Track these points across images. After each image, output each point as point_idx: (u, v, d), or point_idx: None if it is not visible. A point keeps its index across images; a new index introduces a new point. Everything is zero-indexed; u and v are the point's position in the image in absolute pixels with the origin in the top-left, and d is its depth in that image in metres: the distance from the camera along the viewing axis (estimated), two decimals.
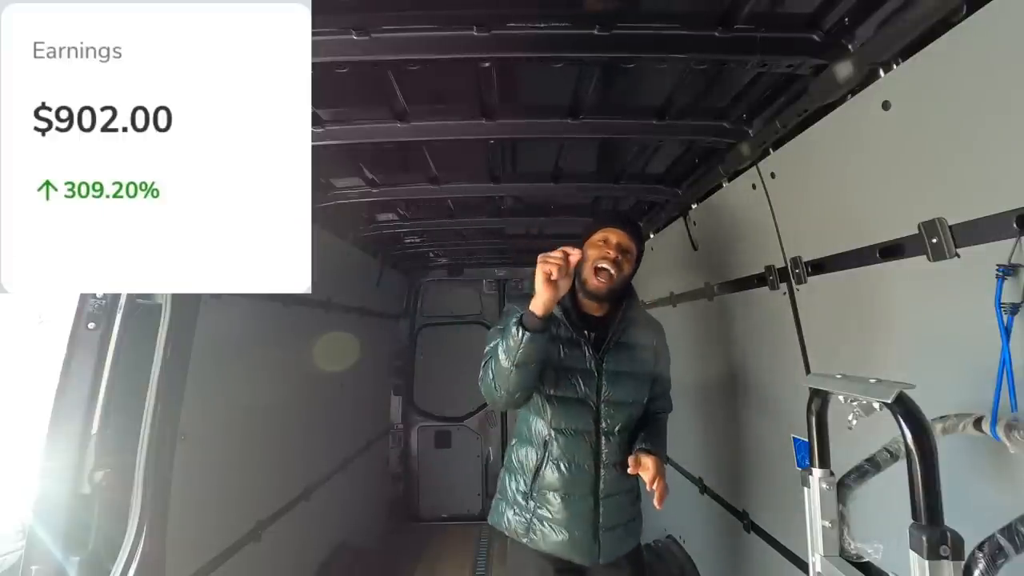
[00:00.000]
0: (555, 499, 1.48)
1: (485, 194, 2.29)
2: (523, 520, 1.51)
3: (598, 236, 1.51)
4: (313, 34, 1.18)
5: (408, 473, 4.17)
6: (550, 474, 1.48)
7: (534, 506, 1.49)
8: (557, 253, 1.25)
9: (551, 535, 1.48)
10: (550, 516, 1.48)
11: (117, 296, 1.51)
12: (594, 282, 1.47)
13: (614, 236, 1.50)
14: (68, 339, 1.48)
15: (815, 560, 1.00)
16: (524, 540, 1.50)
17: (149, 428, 1.40)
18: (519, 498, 1.52)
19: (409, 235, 3.13)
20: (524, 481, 1.52)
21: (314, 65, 1.22)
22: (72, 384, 1.45)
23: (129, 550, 1.35)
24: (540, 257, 1.26)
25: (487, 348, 1.46)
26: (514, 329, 1.28)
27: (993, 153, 0.94)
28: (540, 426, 1.50)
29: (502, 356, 1.32)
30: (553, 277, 1.24)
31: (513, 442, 1.61)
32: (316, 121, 1.60)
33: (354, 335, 3.03)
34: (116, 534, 1.37)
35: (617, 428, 1.48)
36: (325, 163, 1.96)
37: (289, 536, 2.17)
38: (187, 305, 1.50)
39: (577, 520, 1.47)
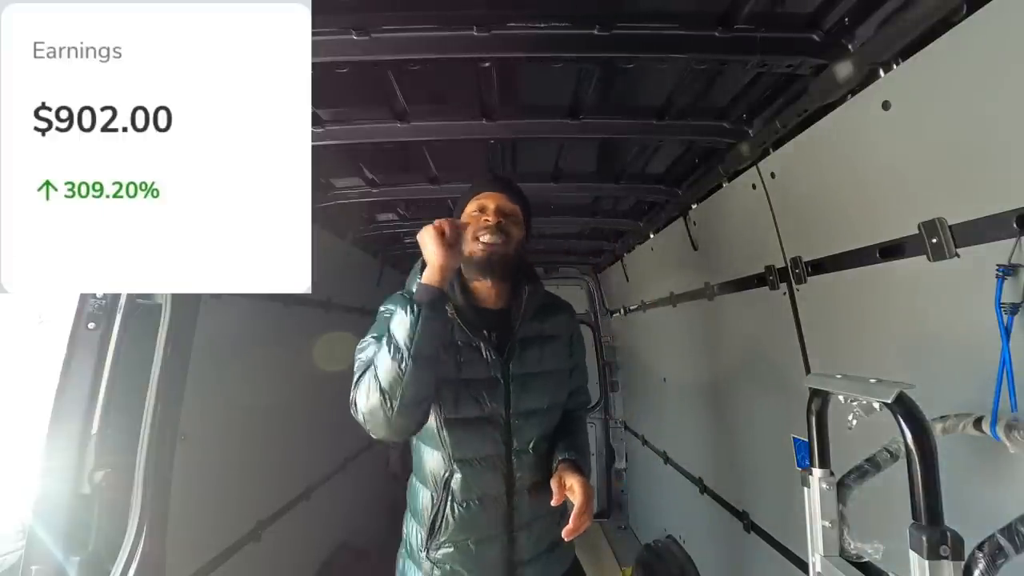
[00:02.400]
0: (459, 548, 1.19)
1: None
2: None
3: (471, 208, 1.26)
4: (313, 34, 1.18)
5: (408, 473, 4.17)
6: (450, 520, 1.18)
7: (431, 567, 1.20)
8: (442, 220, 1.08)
9: None
10: (454, 570, 1.19)
11: (117, 296, 1.51)
12: (478, 249, 1.19)
13: (490, 201, 1.24)
14: (68, 339, 1.48)
15: (815, 560, 1.00)
16: None
17: (149, 428, 1.40)
18: (417, 552, 1.22)
19: (409, 235, 3.13)
20: (420, 533, 1.22)
21: (314, 65, 1.22)
22: (72, 384, 1.45)
23: (129, 550, 1.35)
24: (425, 227, 1.07)
25: (357, 363, 1.11)
26: (403, 311, 1.01)
27: (993, 153, 0.94)
28: (437, 460, 1.20)
29: (387, 355, 1.00)
30: (447, 235, 1.05)
31: (411, 479, 1.31)
32: (316, 121, 1.60)
33: (354, 335, 3.02)
34: (116, 534, 1.38)
35: (531, 444, 1.21)
36: (325, 163, 1.96)
37: (289, 536, 2.17)
38: (187, 305, 1.51)
39: (486, 565, 1.20)
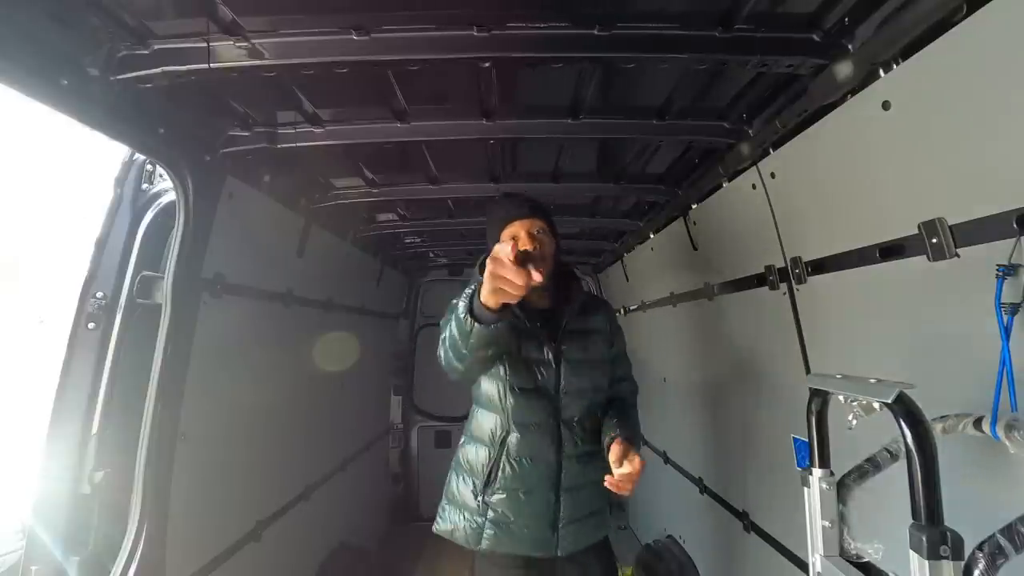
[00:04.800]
0: (511, 498, 1.41)
1: (485, 194, 2.29)
2: (475, 525, 1.43)
3: (505, 238, 1.41)
4: (313, 34, 1.19)
5: (408, 473, 4.17)
6: (505, 472, 1.40)
7: (485, 508, 1.42)
8: (512, 276, 0.98)
9: (505, 537, 1.41)
10: (505, 517, 1.41)
11: (117, 296, 1.52)
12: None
13: (521, 228, 1.41)
14: (68, 339, 1.48)
15: (815, 560, 1.01)
16: (477, 548, 1.44)
17: (149, 428, 1.40)
18: (469, 501, 1.45)
19: (409, 235, 3.13)
20: (475, 483, 1.44)
21: (314, 65, 1.23)
22: (72, 384, 1.46)
23: (129, 550, 1.35)
24: (494, 262, 1.00)
25: (443, 321, 1.32)
26: (462, 315, 1.10)
27: (993, 153, 0.94)
28: (495, 422, 1.43)
29: (457, 340, 1.17)
30: (503, 299, 1.04)
31: (463, 440, 1.54)
32: (316, 121, 1.60)
33: (354, 335, 3.03)
34: (116, 534, 1.38)
35: (576, 419, 1.44)
36: (325, 163, 1.96)
37: (289, 536, 2.17)
38: (187, 305, 1.50)
39: (534, 517, 1.41)
